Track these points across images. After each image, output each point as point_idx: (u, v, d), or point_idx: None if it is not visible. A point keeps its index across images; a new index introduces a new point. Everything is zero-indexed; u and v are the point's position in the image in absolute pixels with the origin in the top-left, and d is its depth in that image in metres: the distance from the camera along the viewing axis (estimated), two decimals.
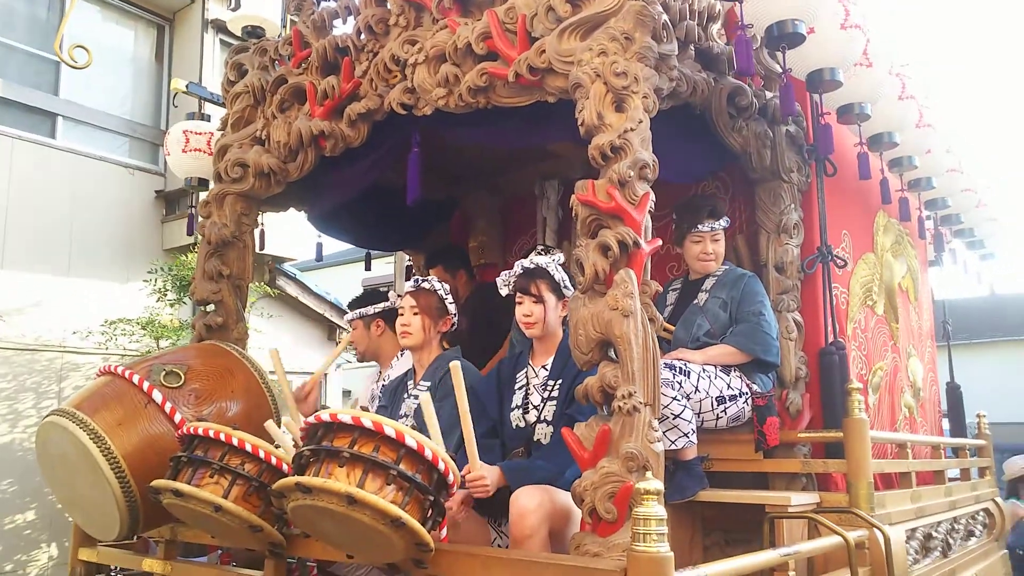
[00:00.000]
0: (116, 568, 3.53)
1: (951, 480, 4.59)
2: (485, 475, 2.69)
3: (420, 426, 3.23)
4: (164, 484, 2.57)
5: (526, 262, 3.16)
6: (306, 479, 2.18)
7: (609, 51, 2.59)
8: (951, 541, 4.10)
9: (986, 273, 6.37)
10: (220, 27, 9.13)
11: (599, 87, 2.56)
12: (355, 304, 4.16)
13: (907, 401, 4.54)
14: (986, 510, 4.88)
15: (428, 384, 3.42)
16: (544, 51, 2.74)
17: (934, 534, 3.88)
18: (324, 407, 4.02)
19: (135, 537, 3.12)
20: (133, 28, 9.36)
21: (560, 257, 3.20)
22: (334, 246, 4.89)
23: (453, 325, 3.57)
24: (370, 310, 4.00)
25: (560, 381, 3.04)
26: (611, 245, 2.46)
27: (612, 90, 2.55)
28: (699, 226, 3.51)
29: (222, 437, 2.60)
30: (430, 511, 2.26)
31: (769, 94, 3.53)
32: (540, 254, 3.82)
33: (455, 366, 2.61)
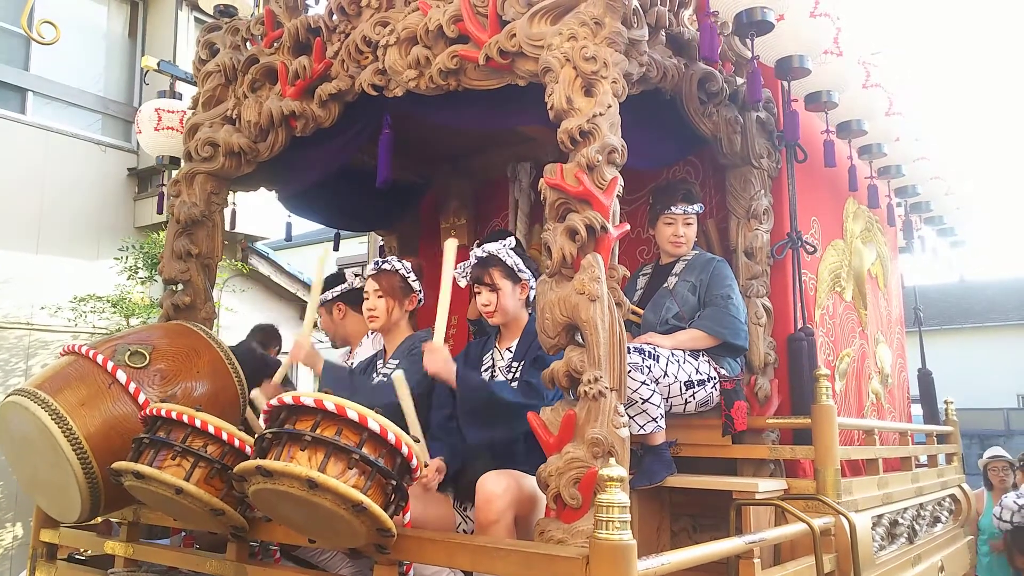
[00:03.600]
0: (84, 551, 3.50)
1: (920, 466, 4.64)
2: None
3: (387, 405, 3.24)
4: (125, 466, 2.53)
5: (479, 251, 3.17)
6: (267, 462, 2.16)
7: (579, 36, 2.58)
8: (917, 527, 4.14)
9: (956, 260, 6.43)
10: (195, 4, 9.01)
11: (568, 71, 2.55)
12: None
13: (874, 387, 4.57)
14: (952, 496, 4.93)
15: (397, 362, 3.41)
16: (515, 35, 2.72)
17: (900, 520, 3.91)
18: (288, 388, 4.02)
19: (98, 519, 3.10)
20: (107, 3, 9.23)
21: (511, 241, 3.20)
22: (308, 225, 4.85)
23: (420, 302, 3.56)
24: (328, 295, 3.99)
25: (523, 363, 3.04)
26: (579, 229, 2.45)
27: (581, 75, 2.54)
28: (672, 208, 3.52)
29: (184, 418, 2.57)
30: (393, 496, 2.25)
31: (739, 80, 3.53)
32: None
33: (398, 377, 2.60)
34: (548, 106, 2.60)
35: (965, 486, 5.22)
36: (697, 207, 3.56)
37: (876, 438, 3.92)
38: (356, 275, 3.93)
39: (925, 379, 5.66)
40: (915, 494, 4.22)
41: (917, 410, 5.60)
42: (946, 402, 5.49)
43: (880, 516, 3.65)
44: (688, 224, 3.55)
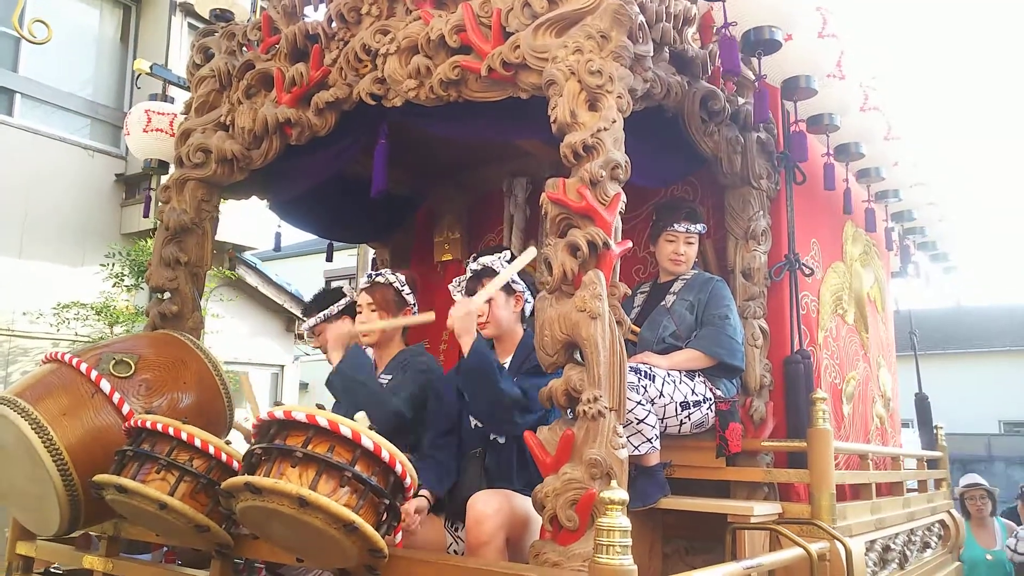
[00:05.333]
0: (60, 568, 3.40)
1: (910, 491, 4.61)
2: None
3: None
4: (107, 479, 2.46)
5: (473, 264, 3.14)
6: (256, 479, 2.09)
7: (584, 49, 2.54)
8: (908, 553, 4.12)
9: (949, 286, 6.44)
10: (188, 10, 8.95)
11: (573, 85, 2.51)
12: (311, 310, 4.03)
13: (878, 411, 4.55)
14: (941, 522, 4.91)
15: (390, 377, 3.35)
16: (518, 46, 2.68)
17: (892, 546, 3.88)
18: (278, 403, 3.94)
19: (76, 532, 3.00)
20: (99, 7, 9.16)
21: (506, 254, 3.15)
22: (296, 236, 4.80)
23: (414, 315, 3.50)
24: (334, 310, 3.92)
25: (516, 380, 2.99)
26: (580, 245, 2.41)
27: (586, 88, 2.50)
28: (675, 225, 3.50)
29: (170, 431, 2.50)
30: (385, 515, 2.19)
31: (741, 100, 3.52)
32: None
33: (360, 417, 2.49)
34: (551, 119, 2.55)
35: (954, 512, 5.20)
36: (700, 227, 3.54)
37: (870, 463, 3.88)
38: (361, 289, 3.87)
39: (922, 404, 5.64)
40: (907, 519, 4.20)
41: (908, 435, 5.59)
42: (936, 427, 5.48)
43: (873, 541, 3.63)
44: (690, 243, 3.52)
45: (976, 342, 22.80)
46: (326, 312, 3.95)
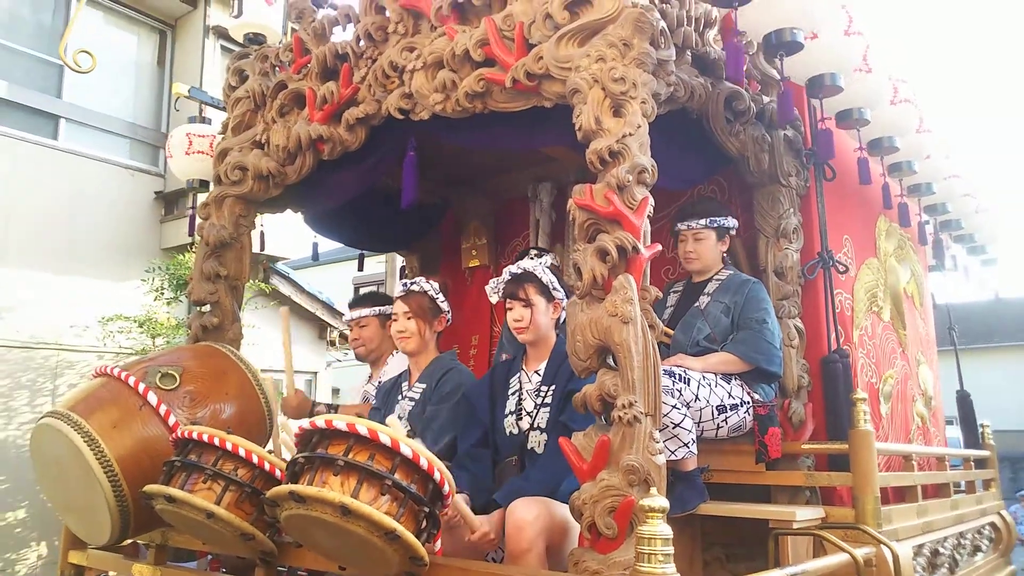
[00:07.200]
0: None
1: (957, 491, 4.51)
2: (488, 529, 2.64)
3: (413, 428, 3.23)
4: (157, 490, 2.51)
5: (514, 267, 3.14)
6: (300, 488, 2.12)
7: (607, 57, 2.56)
8: (958, 557, 4.00)
9: (988, 278, 6.33)
10: (221, 33, 9.16)
11: (597, 92, 2.53)
12: (363, 303, 4.11)
13: (919, 410, 4.46)
14: (992, 524, 4.79)
15: (424, 386, 3.40)
16: (542, 57, 2.72)
17: (941, 550, 3.78)
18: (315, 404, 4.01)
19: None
20: (136, 33, 9.42)
21: (548, 260, 3.17)
22: (325, 245, 4.91)
23: (448, 322, 3.55)
24: (388, 308, 3.97)
25: (553, 387, 2.99)
26: (610, 250, 2.42)
27: (610, 95, 2.52)
28: (678, 225, 3.54)
29: (216, 441, 2.55)
30: (425, 523, 2.21)
31: (766, 99, 3.51)
32: (532, 258, 3.79)
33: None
34: (576, 127, 2.58)
35: (1004, 512, 5.08)
36: (703, 221, 3.51)
37: (915, 463, 3.81)
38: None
39: (964, 401, 5.51)
40: (955, 522, 4.10)
41: (951, 432, 5.48)
42: (983, 425, 5.36)
43: (921, 546, 3.54)
44: (698, 239, 3.51)
45: (1020, 334, 22.22)
46: (380, 308, 4.01)
